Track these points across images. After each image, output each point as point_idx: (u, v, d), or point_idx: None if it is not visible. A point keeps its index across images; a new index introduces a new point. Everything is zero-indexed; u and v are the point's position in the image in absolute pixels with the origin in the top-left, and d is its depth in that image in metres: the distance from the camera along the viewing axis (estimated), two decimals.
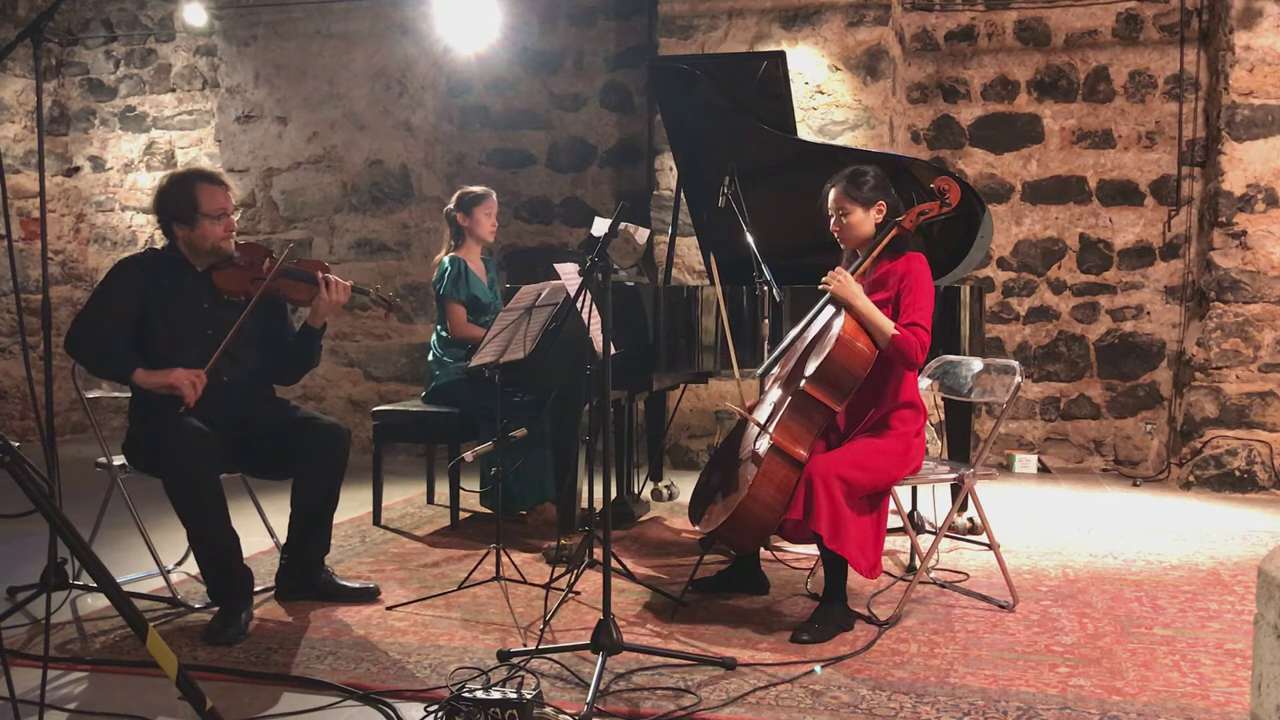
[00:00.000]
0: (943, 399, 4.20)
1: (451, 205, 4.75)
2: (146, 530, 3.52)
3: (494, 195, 4.80)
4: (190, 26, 7.30)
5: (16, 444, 2.07)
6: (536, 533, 4.44)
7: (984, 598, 3.50)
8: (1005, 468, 6.19)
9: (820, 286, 3.22)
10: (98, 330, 3.29)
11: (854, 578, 3.22)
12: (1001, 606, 3.40)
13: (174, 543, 3.70)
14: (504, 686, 2.50)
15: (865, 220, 3.28)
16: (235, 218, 6.91)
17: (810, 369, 3.15)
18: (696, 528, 3.33)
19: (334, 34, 6.84)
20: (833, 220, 3.33)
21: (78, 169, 7.83)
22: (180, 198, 3.33)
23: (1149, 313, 6.27)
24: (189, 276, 3.38)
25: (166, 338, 3.30)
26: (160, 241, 3.57)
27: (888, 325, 3.13)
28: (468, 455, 3.89)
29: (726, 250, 4.52)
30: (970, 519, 4.33)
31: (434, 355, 4.73)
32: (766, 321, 3.94)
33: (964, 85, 6.41)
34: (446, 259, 4.68)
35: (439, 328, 4.73)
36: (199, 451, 3.13)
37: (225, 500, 3.20)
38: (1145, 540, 4.42)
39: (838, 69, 5.95)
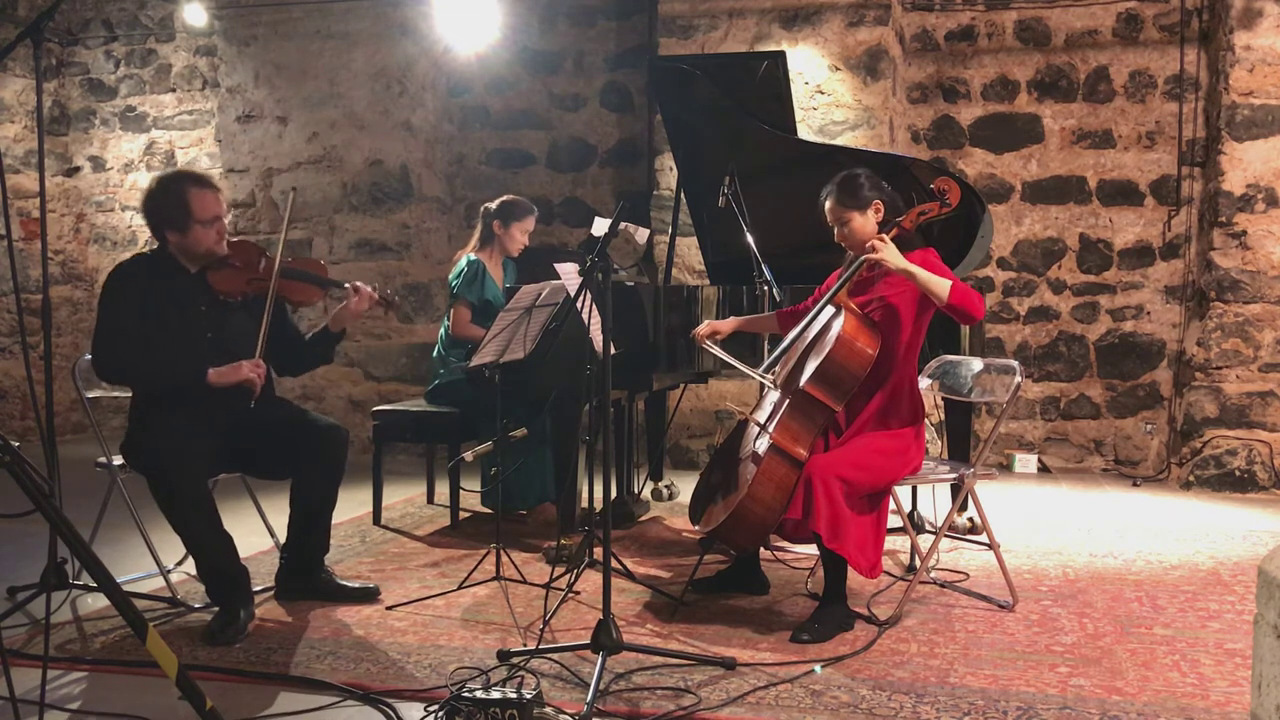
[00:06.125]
0: (943, 399, 4.20)
1: (493, 208, 4.72)
2: (146, 530, 3.52)
3: (535, 214, 4.81)
4: (190, 26, 7.31)
5: (16, 444, 2.06)
6: (536, 533, 4.44)
7: (984, 598, 3.50)
8: (1005, 468, 6.19)
9: (867, 256, 3.15)
10: (131, 345, 3.21)
11: (854, 578, 3.22)
12: (1001, 606, 3.40)
13: (174, 543, 3.67)
14: (504, 686, 2.50)
15: (866, 223, 3.26)
16: (234, 216, 7.02)
17: (810, 369, 3.16)
18: (696, 528, 3.33)
19: (334, 34, 6.84)
20: (835, 233, 3.32)
21: (78, 169, 7.83)
22: (171, 204, 3.25)
23: (1149, 313, 6.27)
24: (183, 279, 3.33)
25: (165, 343, 3.25)
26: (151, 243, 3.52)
27: (943, 281, 3.06)
28: (468, 455, 3.89)
29: (726, 250, 4.53)
30: (970, 519, 4.33)
31: (438, 352, 4.74)
32: None
33: (964, 85, 6.41)
34: (465, 260, 4.68)
35: (447, 323, 4.73)
36: (182, 455, 3.10)
37: (214, 502, 3.19)
38: (1145, 540, 4.43)
39: (838, 69, 5.95)
